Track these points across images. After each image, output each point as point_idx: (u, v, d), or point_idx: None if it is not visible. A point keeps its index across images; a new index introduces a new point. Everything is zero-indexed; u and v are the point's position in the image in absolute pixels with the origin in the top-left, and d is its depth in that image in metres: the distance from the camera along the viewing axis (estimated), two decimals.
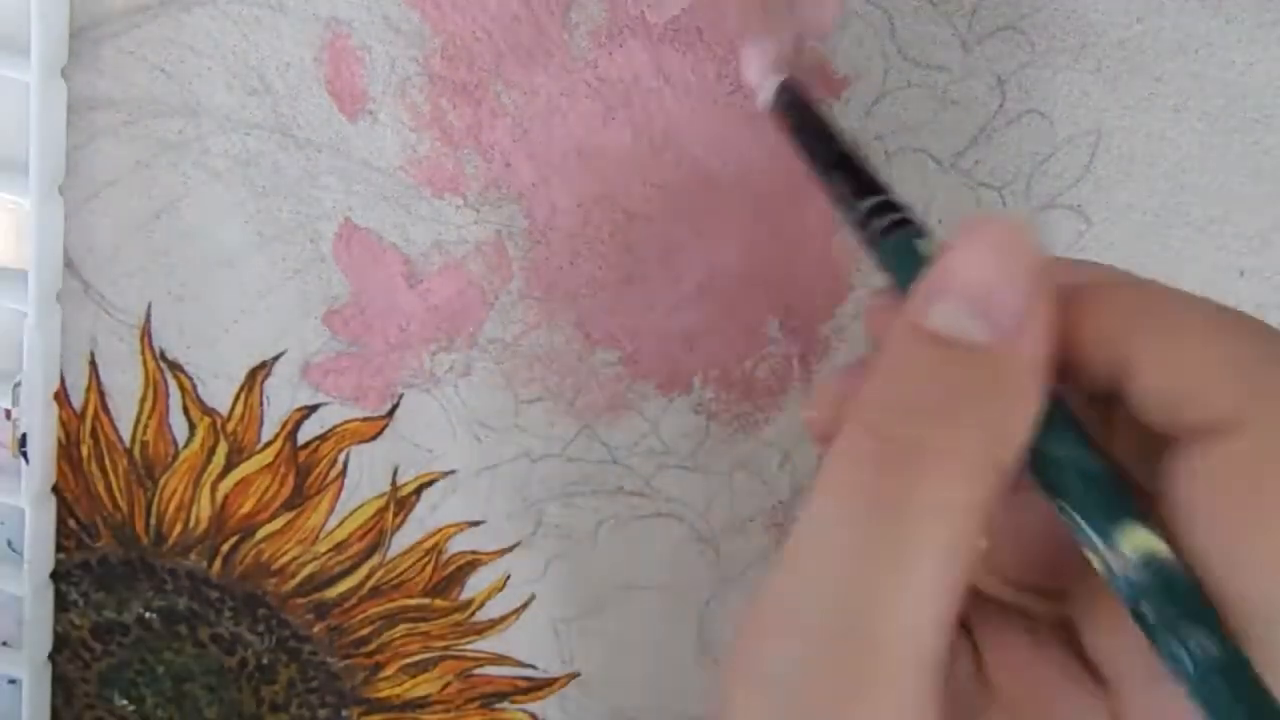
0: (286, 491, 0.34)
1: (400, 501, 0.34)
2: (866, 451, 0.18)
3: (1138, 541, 0.16)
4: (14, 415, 0.32)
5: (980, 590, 0.21)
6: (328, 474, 0.34)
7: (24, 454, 0.32)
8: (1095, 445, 0.18)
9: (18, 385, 0.31)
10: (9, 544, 0.35)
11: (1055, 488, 0.18)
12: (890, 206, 0.21)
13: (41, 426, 0.32)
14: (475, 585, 0.36)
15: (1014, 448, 0.18)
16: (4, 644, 0.36)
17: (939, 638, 0.18)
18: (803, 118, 0.24)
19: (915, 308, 0.18)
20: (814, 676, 0.18)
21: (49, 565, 0.35)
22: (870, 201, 0.21)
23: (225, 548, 0.35)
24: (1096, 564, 0.17)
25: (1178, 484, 0.17)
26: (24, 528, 0.33)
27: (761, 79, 0.25)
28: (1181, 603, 0.16)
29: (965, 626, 0.21)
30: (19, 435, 0.32)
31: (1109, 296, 0.19)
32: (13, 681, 0.37)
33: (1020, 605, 0.21)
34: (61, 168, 0.29)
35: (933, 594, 0.18)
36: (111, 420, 0.33)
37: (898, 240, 0.20)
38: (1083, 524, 0.17)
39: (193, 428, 0.33)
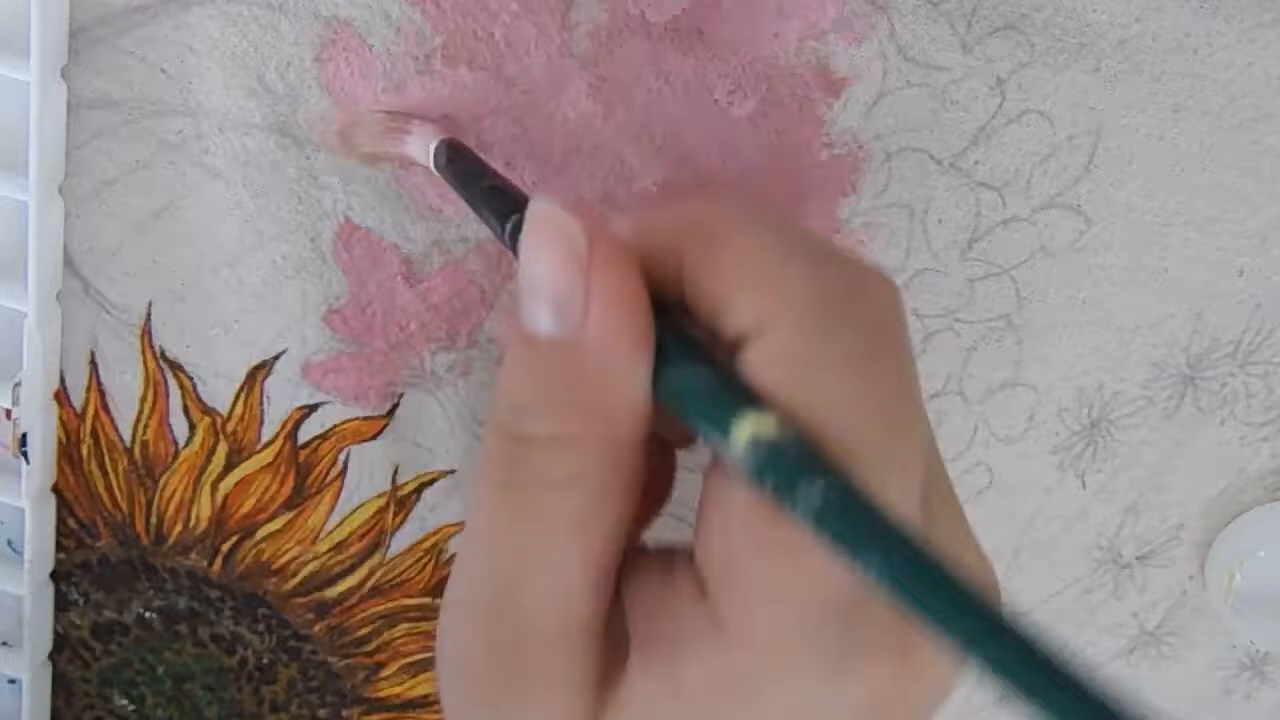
0: (287, 491, 0.34)
1: (400, 501, 0.34)
2: (494, 448, 0.20)
3: (744, 430, 0.18)
4: (14, 415, 0.32)
5: (633, 545, 0.23)
6: (328, 473, 0.34)
7: (24, 454, 0.32)
8: (700, 358, 0.19)
9: (18, 385, 0.31)
10: (9, 544, 0.35)
11: (678, 408, 0.19)
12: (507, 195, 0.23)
13: (41, 426, 0.32)
14: None
15: (614, 419, 0.19)
16: (4, 644, 0.36)
17: (585, 602, 0.20)
18: (463, 161, 0.26)
19: (514, 311, 0.20)
20: (483, 657, 0.20)
21: (49, 565, 0.35)
22: (515, 219, 0.22)
23: (225, 547, 0.35)
24: (727, 461, 0.19)
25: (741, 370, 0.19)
26: (24, 527, 0.33)
27: (423, 154, 0.27)
28: (789, 463, 0.18)
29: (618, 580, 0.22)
30: (19, 435, 0.32)
31: (669, 217, 0.20)
32: (13, 681, 0.37)
33: (663, 552, 0.22)
34: (61, 167, 0.29)
35: (567, 564, 0.19)
36: (112, 420, 0.33)
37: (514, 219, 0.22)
38: (705, 431, 0.19)
39: (193, 427, 0.33)
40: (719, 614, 0.19)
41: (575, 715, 0.19)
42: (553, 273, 0.19)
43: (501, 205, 0.24)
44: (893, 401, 0.19)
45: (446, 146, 0.26)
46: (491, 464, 0.20)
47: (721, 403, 0.18)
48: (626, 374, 0.19)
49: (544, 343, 0.19)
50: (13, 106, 0.28)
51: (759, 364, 0.19)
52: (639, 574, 0.21)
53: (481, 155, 0.26)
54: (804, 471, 0.17)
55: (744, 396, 0.18)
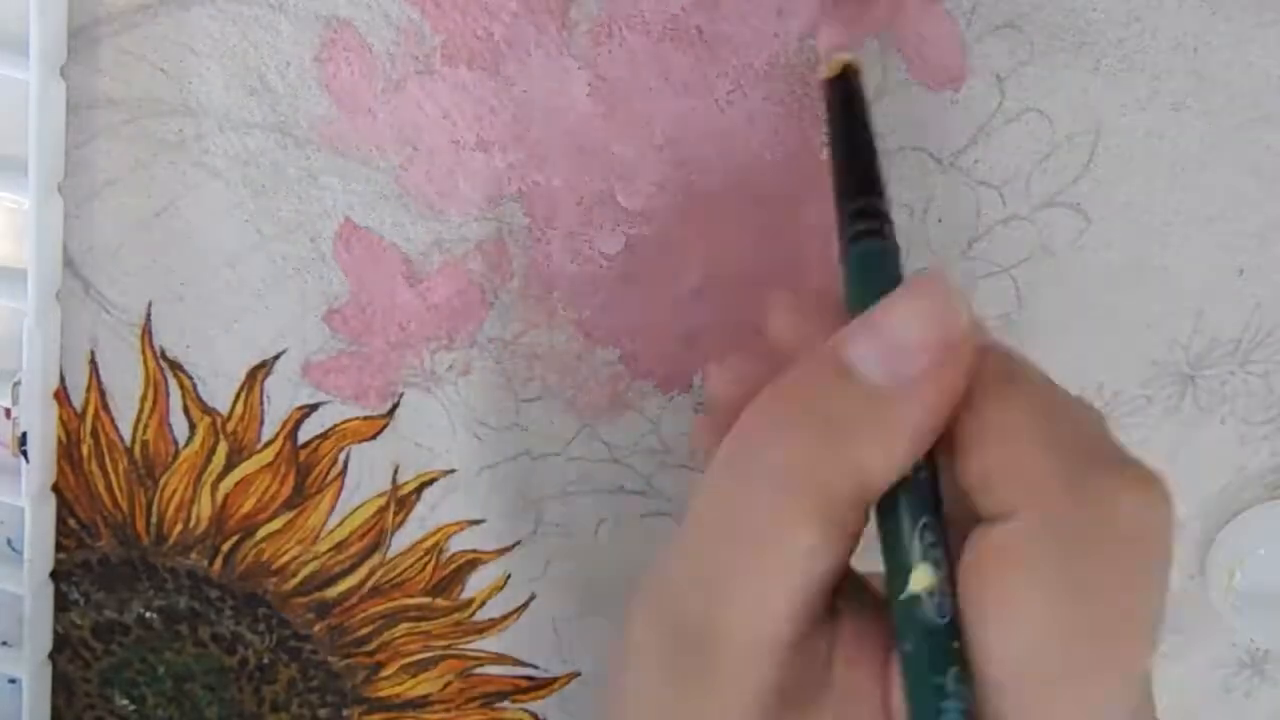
0: (287, 491, 0.34)
1: (401, 500, 0.34)
2: (745, 451, 0.21)
3: (916, 582, 0.19)
4: (14, 414, 0.32)
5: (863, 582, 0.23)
6: (328, 473, 0.34)
7: (24, 453, 0.32)
8: (930, 484, 0.20)
9: (17, 384, 0.31)
10: (9, 543, 0.35)
11: (886, 536, 0.21)
12: (868, 214, 0.22)
13: (41, 425, 0.32)
14: (476, 584, 0.36)
15: (874, 483, 0.20)
16: (4, 644, 0.36)
17: (795, 626, 0.20)
18: (845, 101, 0.25)
19: (840, 338, 0.21)
20: (674, 643, 0.21)
21: (49, 564, 0.35)
22: (857, 203, 0.23)
23: (226, 547, 0.35)
24: (887, 586, 0.20)
25: (968, 546, 0.20)
26: (24, 527, 0.33)
27: (830, 51, 0.25)
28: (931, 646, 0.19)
29: (836, 611, 0.22)
30: (19, 434, 0.32)
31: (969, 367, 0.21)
32: (13, 681, 0.37)
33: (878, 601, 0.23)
34: (61, 166, 0.29)
35: (777, 594, 0.20)
36: (112, 419, 0.33)
37: (860, 247, 0.22)
38: (893, 554, 0.20)
39: (193, 427, 0.33)
40: None
41: (751, 717, 0.20)
42: (919, 339, 0.20)
43: (855, 180, 0.23)
44: (1110, 639, 0.19)
45: (846, 72, 0.25)
46: (729, 478, 0.21)
47: (915, 545, 0.20)
48: (907, 452, 0.20)
49: (861, 380, 0.20)
50: (12, 105, 0.28)
51: (989, 549, 0.19)
52: (859, 607, 0.22)
53: (866, 112, 0.25)
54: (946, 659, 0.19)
55: (937, 549, 0.20)
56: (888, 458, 0.20)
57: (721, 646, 0.20)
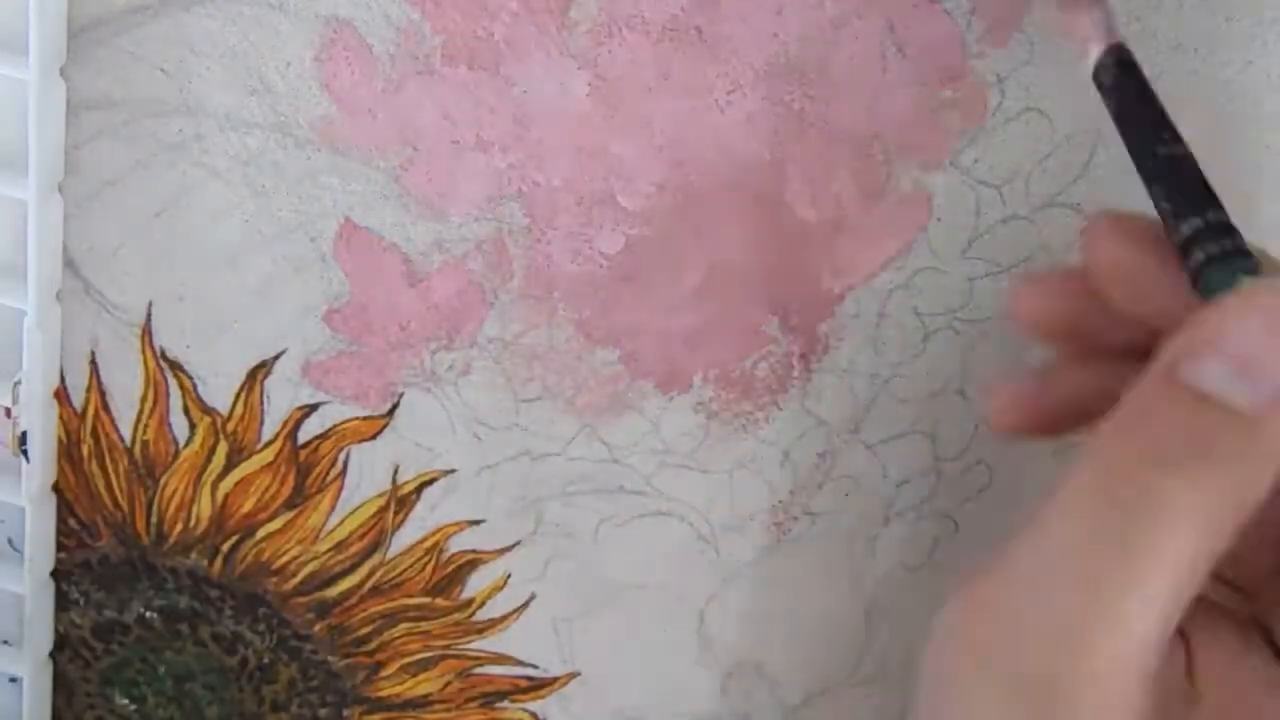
0: (287, 491, 0.34)
1: (401, 500, 0.34)
2: (1106, 489, 0.20)
3: None
4: (14, 414, 0.32)
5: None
6: (328, 473, 0.34)
7: (24, 452, 0.32)
8: None
9: (18, 384, 0.31)
10: (9, 542, 0.35)
11: None
12: (1215, 230, 0.20)
13: (42, 425, 0.32)
14: (476, 584, 0.36)
15: (1250, 508, 0.19)
16: (4, 643, 0.36)
17: (1153, 658, 0.19)
18: (1134, 96, 0.22)
19: (1175, 361, 0.20)
20: (1031, 663, 0.20)
21: (49, 564, 0.35)
22: (1192, 226, 0.20)
23: (226, 547, 0.35)
24: None
25: None
26: (24, 526, 0.33)
27: (1092, 39, 0.23)
28: None
29: (1180, 629, 0.21)
30: (19, 434, 0.32)
31: None
32: (13, 680, 0.37)
33: (1221, 602, 0.22)
34: (60, 165, 0.29)
35: (1146, 632, 0.19)
36: (112, 419, 0.33)
37: (1221, 276, 0.20)
38: None
39: (193, 427, 0.33)
40: None
41: None
42: (1273, 352, 0.19)
43: (1180, 199, 0.21)
44: None
45: (1116, 62, 0.22)
46: (1096, 505, 0.20)
47: None
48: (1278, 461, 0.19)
49: (1222, 408, 0.19)
50: (12, 106, 0.28)
51: None
52: (1207, 627, 0.22)
53: (1157, 98, 0.22)
54: None
55: None
56: (1261, 475, 0.19)
57: (1083, 686, 0.19)
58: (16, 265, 0.30)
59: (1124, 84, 0.22)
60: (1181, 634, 0.22)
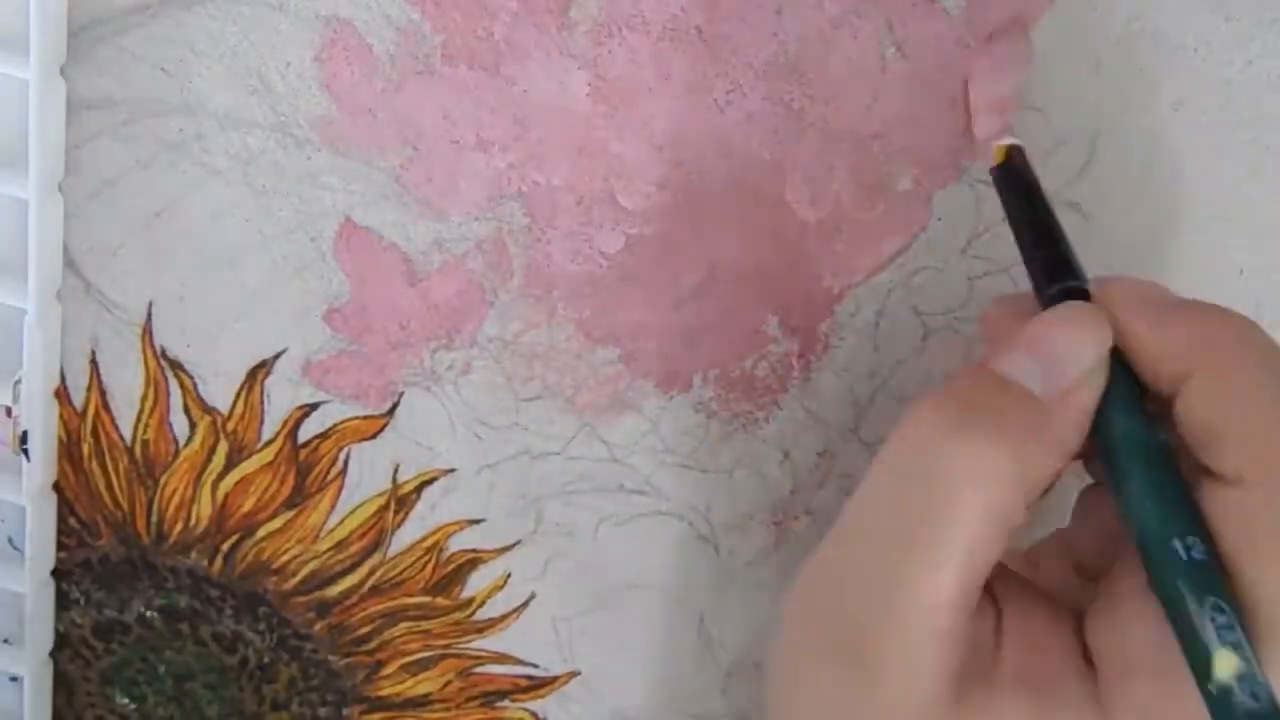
0: (287, 490, 0.34)
1: (401, 500, 0.34)
2: (910, 455, 0.23)
3: (1221, 667, 0.20)
4: (14, 412, 0.32)
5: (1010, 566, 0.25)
6: (328, 472, 0.34)
7: (25, 451, 0.32)
8: (1158, 437, 0.22)
9: (18, 382, 0.31)
10: (10, 541, 0.35)
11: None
12: (1074, 294, 0.24)
13: (42, 423, 0.32)
14: (476, 583, 0.36)
15: (1037, 490, 0.22)
16: (5, 642, 0.36)
17: (959, 615, 0.22)
18: (1019, 186, 0.26)
19: (1002, 352, 0.23)
20: (849, 616, 0.22)
21: (50, 562, 0.35)
22: (1057, 288, 0.24)
23: (226, 546, 0.35)
24: (1138, 537, 0.21)
25: (1210, 500, 0.21)
26: (25, 525, 0.33)
27: (992, 138, 0.27)
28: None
29: (993, 598, 0.24)
30: (19, 432, 0.32)
31: (1182, 322, 0.23)
32: (14, 679, 0.37)
33: (1048, 587, 0.25)
34: (61, 165, 0.29)
35: (945, 589, 0.21)
36: (112, 419, 0.33)
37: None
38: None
39: (193, 426, 0.33)
40: (1106, 700, 0.22)
41: (928, 701, 0.21)
42: (1069, 357, 0.22)
43: (1046, 257, 0.25)
44: None
45: (1014, 163, 0.27)
46: (903, 465, 0.23)
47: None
48: (1065, 455, 0.22)
49: (1016, 387, 0.23)
50: (12, 104, 0.28)
51: (1223, 513, 0.21)
52: (1022, 601, 0.24)
53: (1039, 190, 0.26)
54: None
55: (1212, 582, 0.20)
56: (1047, 458, 0.22)
57: (889, 639, 0.21)
58: (17, 264, 0.30)
59: (1016, 183, 0.26)
60: (995, 602, 0.24)
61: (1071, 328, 0.23)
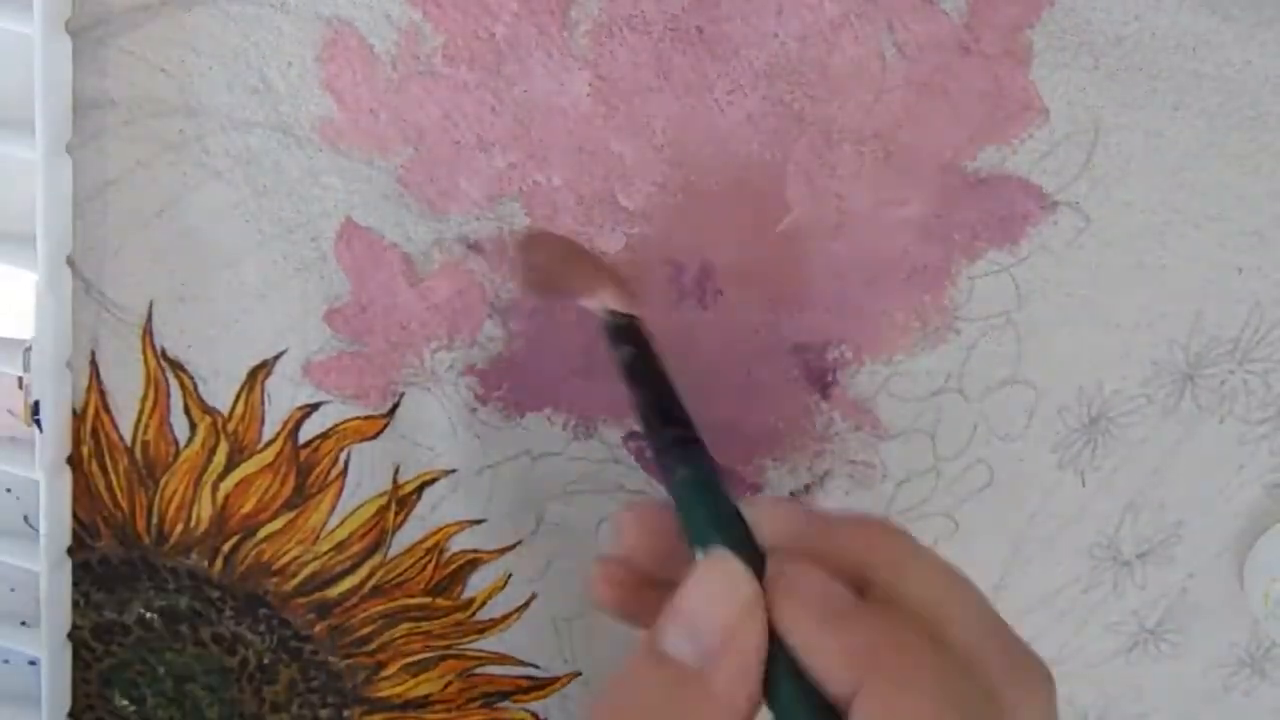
0: (287, 491, 0.34)
1: (401, 500, 0.34)
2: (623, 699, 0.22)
3: None
4: (26, 382, 0.31)
5: None
6: (329, 473, 0.34)
7: (37, 422, 0.31)
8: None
9: (28, 350, 0.30)
10: (25, 519, 0.35)
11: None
12: (680, 440, 0.25)
13: (54, 393, 0.31)
14: (476, 584, 0.36)
15: None
16: (23, 624, 0.36)
17: None
18: (633, 344, 0.27)
19: (656, 629, 0.23)
20: None
21: (66, 539, 0.35)
22: (663, 439, 0.25)
23: (226, 547, 0.35)
24: None
25: None
26: (39, 500, 0.33)
27: (611, 304, 0.28)
28: None
29: None
30: (30, 403, 0.31)
31: (849, 631, 0.22)
32: (32, 662, 0.36)
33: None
34: (69, 126, 0.29)
35: None
36: (112, 419, 0.33)
37: (683, 474, 0.24)
38: None
39: (194, 427, 0.33)
40: None
41: None
42: (712, 618, 0.22)
43: (662, 421, 0.25)
44: None
45: (627, 325, 0.27)
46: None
47: None
48: (739, 710, 0.22)
49: (674, 663, 0.22)
50: (19, 62, 0.27)
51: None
52: None
53: (658, 355, 0.27)
54: None
55: None
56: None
57: None
58: (25, 229, 0.29)
59: (628, 343, 0.27)
60: None
61: (704, 587, 0.23)
